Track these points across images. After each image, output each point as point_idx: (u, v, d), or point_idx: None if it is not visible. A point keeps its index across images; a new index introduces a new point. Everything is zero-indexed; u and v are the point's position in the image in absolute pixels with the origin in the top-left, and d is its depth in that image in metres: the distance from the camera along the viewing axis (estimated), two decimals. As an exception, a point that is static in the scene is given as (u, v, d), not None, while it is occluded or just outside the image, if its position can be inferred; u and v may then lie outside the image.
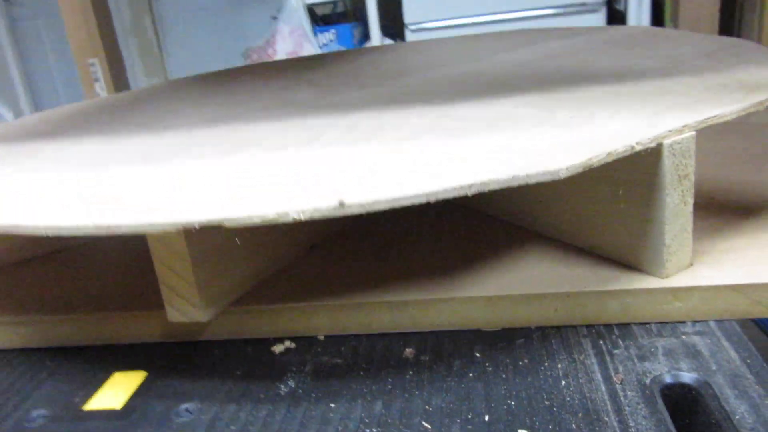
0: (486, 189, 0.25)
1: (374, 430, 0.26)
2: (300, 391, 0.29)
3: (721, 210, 0.38)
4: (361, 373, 0.30)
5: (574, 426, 0.25)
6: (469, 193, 0.25)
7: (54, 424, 0.29)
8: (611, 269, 0.32)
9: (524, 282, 0.32)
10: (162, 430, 0.28)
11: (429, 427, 0.26)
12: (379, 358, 0.31)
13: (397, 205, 0.25)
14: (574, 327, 0.31)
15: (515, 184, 0.25)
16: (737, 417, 0.24)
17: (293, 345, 0.33)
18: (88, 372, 0.33)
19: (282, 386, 0.30)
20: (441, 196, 0.25)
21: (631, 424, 0.25)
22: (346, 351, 0.32)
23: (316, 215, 0.25)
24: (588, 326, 0.31)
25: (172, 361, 0.33)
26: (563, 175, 0.26)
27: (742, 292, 0.30)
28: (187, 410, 0.29)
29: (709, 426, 0.25)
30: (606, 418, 0.25)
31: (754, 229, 0.35)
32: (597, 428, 0.25)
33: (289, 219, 0.25)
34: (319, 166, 0.30)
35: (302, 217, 0.25)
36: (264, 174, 0.30)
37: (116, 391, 0.31)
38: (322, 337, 0.33)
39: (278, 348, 0.33)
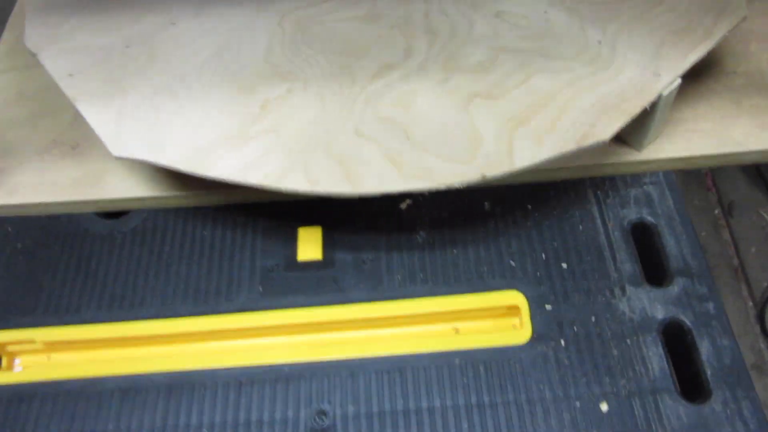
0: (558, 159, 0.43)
1: (485, 268, 0.49)
2: (430, 240, 0.50)
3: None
4: (461, 224, 0.51)
5: (589, 259, 0.48)
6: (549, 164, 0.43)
7: (290, 273, 0.49)
8: (611, 145, 0.51)
9: (557, 158, 0.51)
10: (359, 274, 0.49)
11: (513, 263, 0.49)
12: (469, 211, 0.51)
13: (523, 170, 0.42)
14: (583, 180, 0.52)
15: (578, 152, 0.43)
16: (667, 249, 0.48)
17: (411, 201, 0.52)
18: (279, 228, 0.52)
19: (417, 237, 0.50)
20: (542, 166, 0.42)
21: (617, 256, 0.48)
22: (446, 202, 0.52)
23: (462, 185, 0.42)
24: (591, 179, 0.52)
25: (333, 217, 0.52)
26: (608, 140, 0.43)
27: (682, 160, 0.51)
28: (367, 258, 0.50)
29: (656, 253, 0.49)
30: (605, 253, 0.48)
31: (697, 96, 0.53)
32: (600, 260, 0.48)
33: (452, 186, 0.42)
34: (445, 122, 0.45)
35: (458, 186, 0.42)
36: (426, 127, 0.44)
37: (311, 245, 0.51)
38: (427, 194, 0.52)
39: (403, 205, 0.52)
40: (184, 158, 0.44)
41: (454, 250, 0.50)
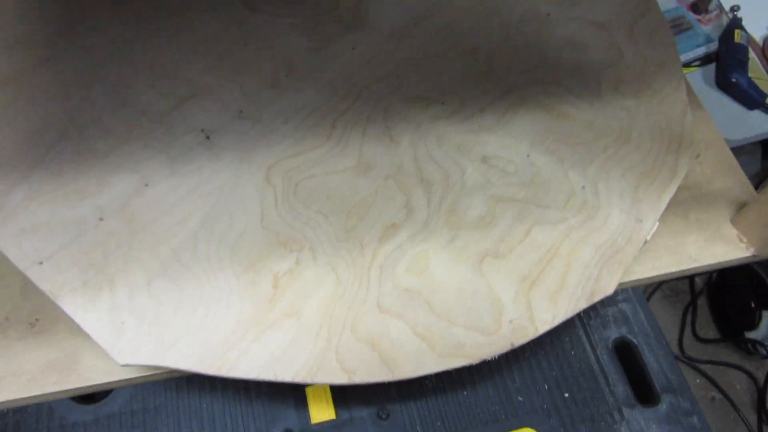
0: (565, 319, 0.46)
1: (496, 407, 0.51)
2: (439, 384, 0.51)
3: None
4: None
5: (586, 385, 0.52)
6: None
7: (306, 441, 0.48)
8: (588, 271, 0.55)
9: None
10: (378, 428, 0.49)
11: (521, 399, 0.51)
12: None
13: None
14: (566, 302, 0.56)
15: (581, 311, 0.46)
16: (648, 366, 0.54)
17: (413, 343, 0.53)
18: (283, 390, 0.50)
19: (426, 381, 0.51)
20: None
21: (609, 379, 0.53)
22: (447, 342, 0.53)
23: (494, 357, 0.44)
24: (572, 301, 0.56)
25: (340, 370, 0.51)
26: (611, 293, 0.47)
27: (649, 278, 0.56)
28: (383, 412, 0.50)
29: (640, 370, 0.54)
30: (599, 378, 0.53)
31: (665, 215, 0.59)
32: (594, 382, 0.52)
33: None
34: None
35: (489, 359, 0.44)
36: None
37: (322, 405, 0.50)
38: (426, 332, 0.53)
39: (406, 348, 0.52)
40: (201, 359, 0.41)
41: (464, 392, 0.51)
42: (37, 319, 0.49)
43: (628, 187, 0.51)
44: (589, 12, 0.61)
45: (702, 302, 1.35)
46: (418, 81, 0.56)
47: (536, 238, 0.48)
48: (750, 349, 1.22)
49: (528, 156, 0.52)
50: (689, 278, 1.35)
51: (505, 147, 0.52)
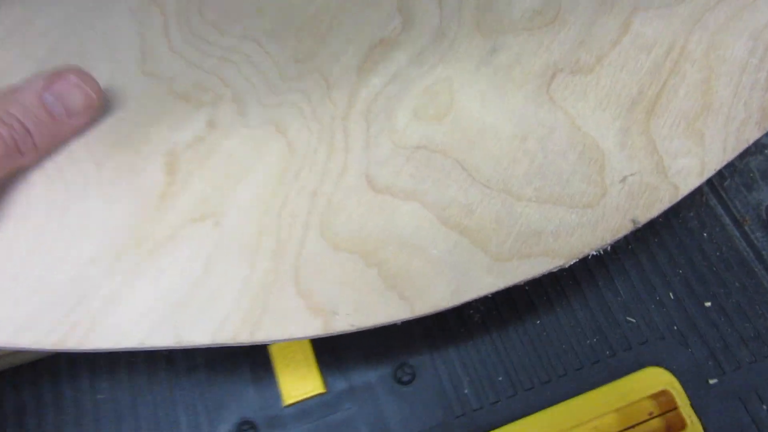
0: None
1: (594, 339, 0.30)
2: (491, 314, 0.31)
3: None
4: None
5: (735, 284, 0.31)
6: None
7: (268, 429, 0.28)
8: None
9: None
10: (399, 398, 0.29)
11: (634, 320, 0.31)
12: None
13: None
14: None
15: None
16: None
17: (441, 253, 0.32)
18: (238, 358, 0.30)
19: (472, 313, 0.31)
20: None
21: (772, 266, 0.32)
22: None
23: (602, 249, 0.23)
24: (690, 155, 0.34)
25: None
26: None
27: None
28: (402, 370, 0.29)
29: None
30: (755, 268, 0.32)
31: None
32: (749, 277, 0.31)
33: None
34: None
35: (594, 254, 0.23)
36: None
37: (300, 373, 0.30)
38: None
39: (430, 262, 0.32)
40: (27, 324, 0.21)
41: (537, 320, 0.31)
42: None
43: None
44: None
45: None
46: None
47: (643, 34, 0.26)
48: None
49: None
50: None
51: None
